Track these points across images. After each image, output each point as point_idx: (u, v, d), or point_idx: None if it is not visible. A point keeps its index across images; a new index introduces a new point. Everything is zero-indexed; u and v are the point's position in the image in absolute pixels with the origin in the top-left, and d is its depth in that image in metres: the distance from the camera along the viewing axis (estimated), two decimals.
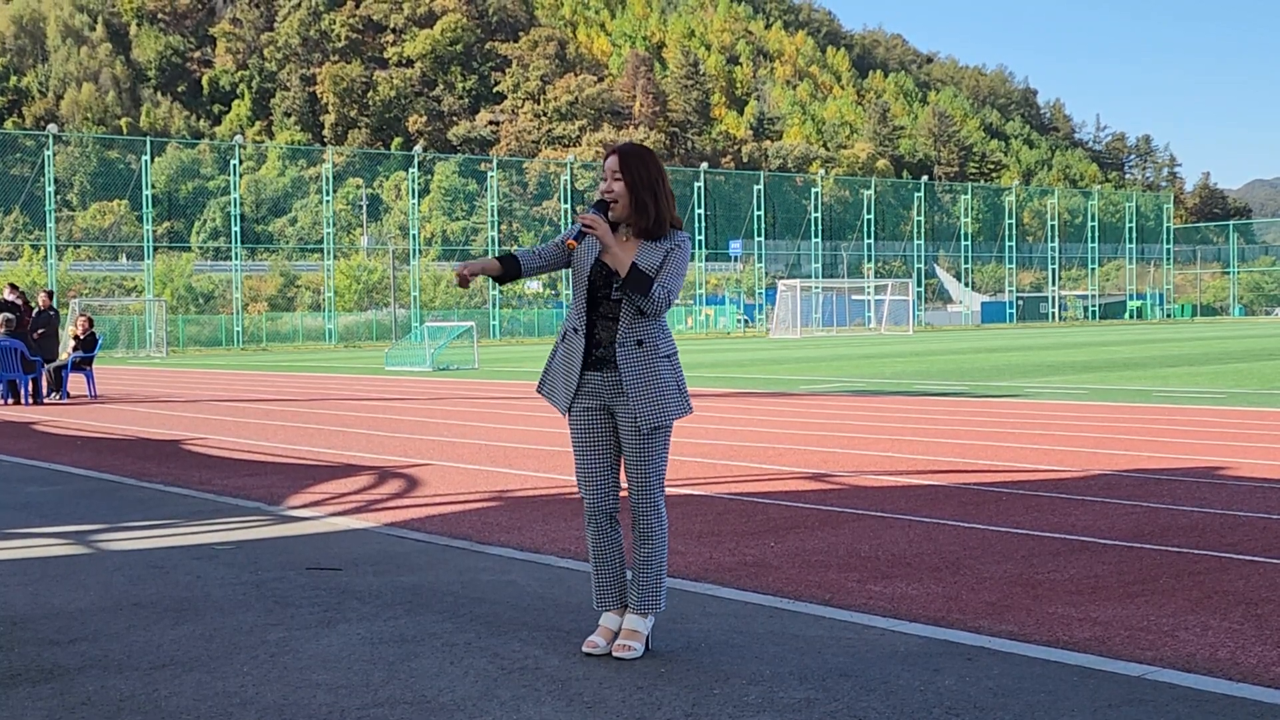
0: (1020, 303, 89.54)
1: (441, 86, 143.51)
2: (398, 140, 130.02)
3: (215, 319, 66.00)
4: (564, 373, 4.63)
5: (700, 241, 76.89)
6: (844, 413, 15.31)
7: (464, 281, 4.56)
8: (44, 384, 20.51)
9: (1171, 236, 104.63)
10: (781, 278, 77.30)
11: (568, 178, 75.88)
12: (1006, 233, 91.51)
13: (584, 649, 4.60)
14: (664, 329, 4.59)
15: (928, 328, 75.33)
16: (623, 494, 4.70)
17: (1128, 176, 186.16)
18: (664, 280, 4.48)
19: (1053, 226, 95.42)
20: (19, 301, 20.73)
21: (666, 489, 8.83)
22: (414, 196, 70.54)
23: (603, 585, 4.67)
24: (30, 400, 19.85)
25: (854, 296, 75.07)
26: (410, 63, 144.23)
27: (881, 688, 4.11)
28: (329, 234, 68.32)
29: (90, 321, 22.50)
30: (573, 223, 4.73)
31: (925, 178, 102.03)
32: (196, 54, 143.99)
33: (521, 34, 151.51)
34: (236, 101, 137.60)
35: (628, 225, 4.59)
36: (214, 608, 5.48)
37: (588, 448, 4.62)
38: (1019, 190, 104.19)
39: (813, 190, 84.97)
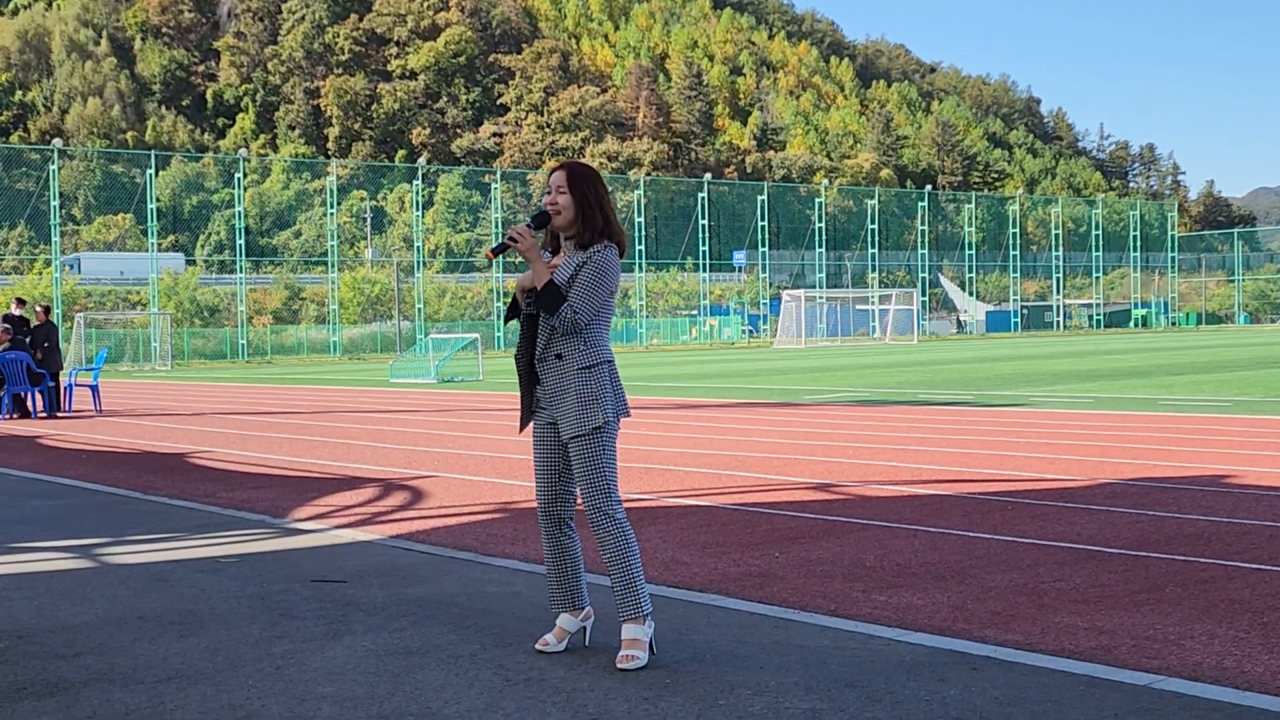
0: (1025, 312, 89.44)
1: (445, 99, 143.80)
2: (401, 153, 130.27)
3: (220, 332, 66.06)
4: (523, 390, 4.77)
5: (704, 252, 76.94)
6: (849, 423, 15.30)
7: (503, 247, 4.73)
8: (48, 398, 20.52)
9: (1176, 245, 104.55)
10: (786, 288, 77.26)
11: None
12: (1010, 242, 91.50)
13: (536, 646, 4.79)
14: (589, 341, 4.61)
15: (933, 337, 75.30)
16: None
17: (1131, 185, 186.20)
18: (572, 299, 4.53)
19: (1057, 235, 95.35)
20: (26, 316, 20.72)
21: (675, 499, 8.87)
22: (418, 209, 70.66)
23: (553, 587, 4.83)
24: (37, 414, 19.88)
25: (859, 306, 75.01)
26: (414, 75, 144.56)
27: (887, 698, 4.10)
28: (333, 246, 68.39)
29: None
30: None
31: (929, 187, 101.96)
32: (201, 68, 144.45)
33: (525, 46, 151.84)
34: (241, 115, 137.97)
35: (569, 237, 4.69)
36: (219, 621, 5.48)
37: (538, 457, 4.78)
38: (1023, 199, 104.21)
39: (816, 200, 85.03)
